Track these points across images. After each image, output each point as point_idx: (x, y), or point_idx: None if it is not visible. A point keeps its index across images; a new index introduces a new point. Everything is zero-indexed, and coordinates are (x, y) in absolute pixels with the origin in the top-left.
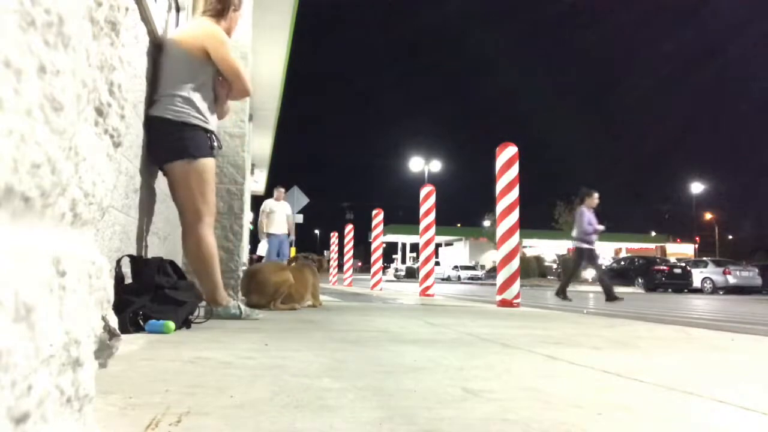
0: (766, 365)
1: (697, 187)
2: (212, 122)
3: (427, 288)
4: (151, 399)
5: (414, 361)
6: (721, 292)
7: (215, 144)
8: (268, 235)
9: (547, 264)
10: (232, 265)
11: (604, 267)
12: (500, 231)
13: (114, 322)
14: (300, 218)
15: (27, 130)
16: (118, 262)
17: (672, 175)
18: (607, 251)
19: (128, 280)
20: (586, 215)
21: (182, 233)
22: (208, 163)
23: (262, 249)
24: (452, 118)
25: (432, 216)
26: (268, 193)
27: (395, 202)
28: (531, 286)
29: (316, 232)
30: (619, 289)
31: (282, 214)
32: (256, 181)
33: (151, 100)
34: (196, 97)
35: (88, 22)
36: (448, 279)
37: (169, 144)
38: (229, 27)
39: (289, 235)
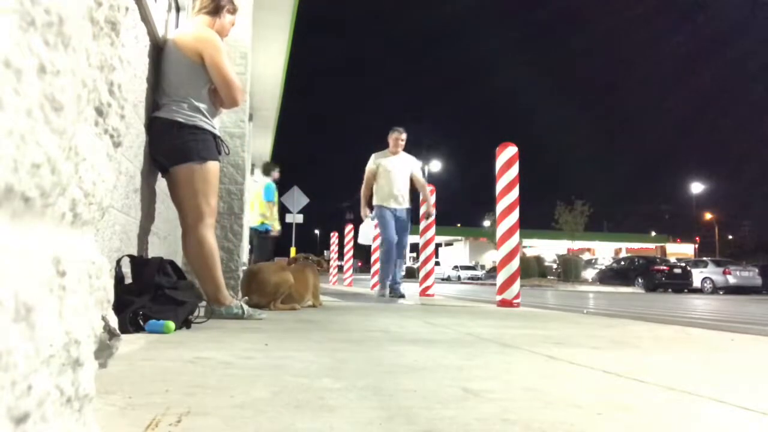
0: (766, 365)
1: (697, 187)
2: (217, 126)
3: (427, 288)
4: (151, 399)
5: (414, 361)
6: (721, 292)
7: (222, 149)
8: (378, 209)
9: (547, 264)
10: (232, 265)
11: (604, 267)
12: (500, 231)
13: (114, 322)
14: (300, 218)
15: (27, 130)
16: (118, 262)
17: (672, 175)
18: (607, 251)
19: (128, 280)
20: None
21: (183, 234)
22: (214, 167)
23: (366, 234)
24: (452, 118)
25: (432, 216)
26: None
27: None
28: (531, 286)
29: (316, 232)
30: (619, 289)
31: (402, 174)
32: (256, 181)
33: (155, 103)
34: (203, 103)
35: (88, 22)
36: (448, 279)
37: (179, 146)
38: (222, 27)
39: (426, 209)
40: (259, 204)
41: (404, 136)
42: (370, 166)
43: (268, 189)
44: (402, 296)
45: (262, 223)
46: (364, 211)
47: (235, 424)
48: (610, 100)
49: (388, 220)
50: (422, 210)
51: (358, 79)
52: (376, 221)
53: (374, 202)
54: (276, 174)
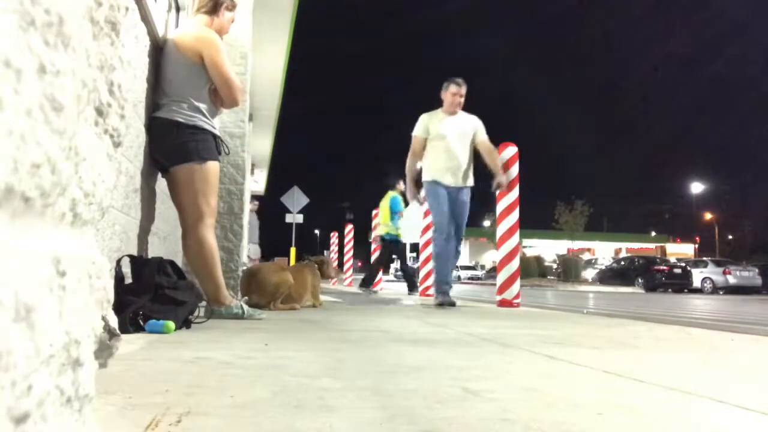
0: (766, 365)
1: (697, 187)
2: (217, 126)
3: (427, 288)
4: (151, 399)
5: (414, 361)
6: (721, 292)
7: (222, 149)
8: (428, 186)
9: (547, 264)
10: (232, 265)
11: (604, 267)
12: (500, 231)
13: (114, 322)
14: (300, 218)
15: (27, 130)
16: (118, 262)
17: (672, 175)
18: (607, 251)
19: (128, 280)
20: None
21: (183, 234)
22: (214, 167)
23: (414, 226)
24: None
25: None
26: (268, 193)
27: None
28: (531, 286)
29: (316, 232)
30: (619, 289)
31: (462, 141)
32: (256, 181)
33: (156, 103)
34: (203, 103)
35: (88, 22)
36: None
37: (179, 146)
38: (221, 26)
39: (497, 179)
40: (384, 215)
41: (464, 90)
42: (418, 132)
43: (393, 201)
44: (452, 304)
45: (388, 233)
46: (411, 191)
47: (235, 424)
48: (610, 100)
49: (442, 201)
50: (494, 182)
51: (358, 79)
52: (425, 208)
53: (424, 178)
54: (402, 185)
